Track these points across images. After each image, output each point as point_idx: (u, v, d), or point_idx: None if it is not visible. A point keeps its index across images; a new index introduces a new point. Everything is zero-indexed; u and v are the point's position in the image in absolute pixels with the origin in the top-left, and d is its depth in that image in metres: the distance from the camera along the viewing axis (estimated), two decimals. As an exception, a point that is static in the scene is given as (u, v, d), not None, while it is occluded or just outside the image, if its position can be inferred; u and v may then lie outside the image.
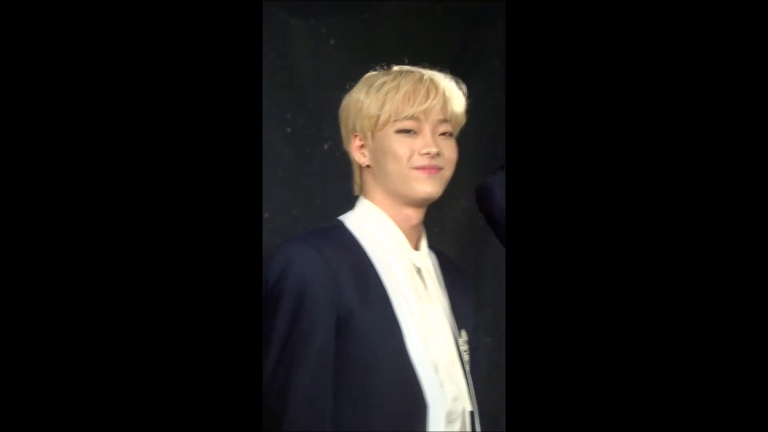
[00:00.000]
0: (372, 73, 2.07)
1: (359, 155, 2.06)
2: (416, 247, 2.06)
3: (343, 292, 1.96)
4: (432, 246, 2.13)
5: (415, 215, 2.04)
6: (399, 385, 1.96)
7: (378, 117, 2.02)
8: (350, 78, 2.10)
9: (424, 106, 2.01)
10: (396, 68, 2.06)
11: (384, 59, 2.10)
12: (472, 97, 2.09)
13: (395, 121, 2.01)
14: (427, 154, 2.00)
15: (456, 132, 2.07)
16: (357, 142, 2.06)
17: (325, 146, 3.23)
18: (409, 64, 2.08)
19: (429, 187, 2.01)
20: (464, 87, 2.08)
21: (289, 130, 3.23)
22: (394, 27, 3.30)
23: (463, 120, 2.07)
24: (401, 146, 2.01)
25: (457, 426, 2.02)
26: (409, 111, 2.00)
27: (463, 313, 2.12)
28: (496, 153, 3.43)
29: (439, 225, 3.30)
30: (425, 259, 2.07)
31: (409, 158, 2.01)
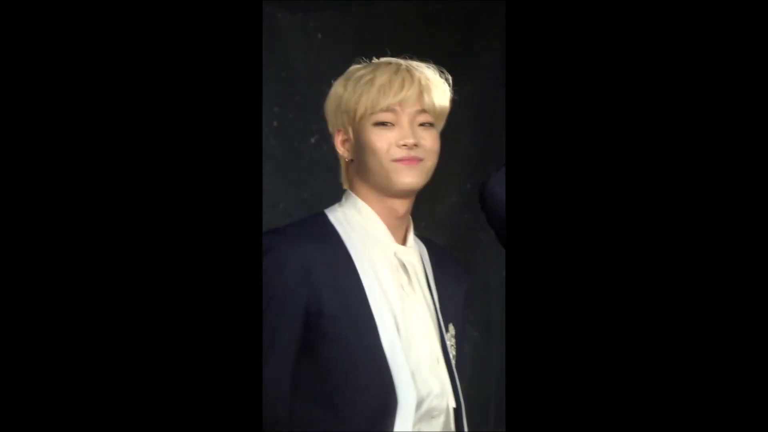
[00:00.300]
0: (353, 66, 2.06)
1: (343, 150, 2.05)
2: (403, 241, 2.05)
3: (316, 288, 1.95)
4: (425, 236, 2.13)
5: (401, 206, 2.03)
6: (370, 383, 1.96)
7: (356, 111, 2.01)
8: (338, 72, 2.09)
9: (399, 97, 1.99)
10: (376, 61, 2.06)
11: (373, 53, 2.09)
12: (464, 93, 2.08)
13: (372, 113, 2.00)
14: (404, 145, 1.99)
15: (439, 123, 2.05)
16: (340, 137, 2.05)
17: (312, 140, 3.23)
18: (391, 56, 2.06)
19: (409, 178, 2.00)
20: (449, 77, 2.06)
21: (276, 123, 3.22)
22: (383, 20, 3.29)
23: (445, 110, 2.05)
24: (379, 139, 2.00)
25: (440, 422, 2.01)
26: (384, 103, 1.99)
27: (452, 306, 2.11)
28: (488, 148, 3.43)
29: (428, 219, 3.30)
30: (411, 253, 2.06)
31: (388, 150, 1.99)
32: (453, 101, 2.07)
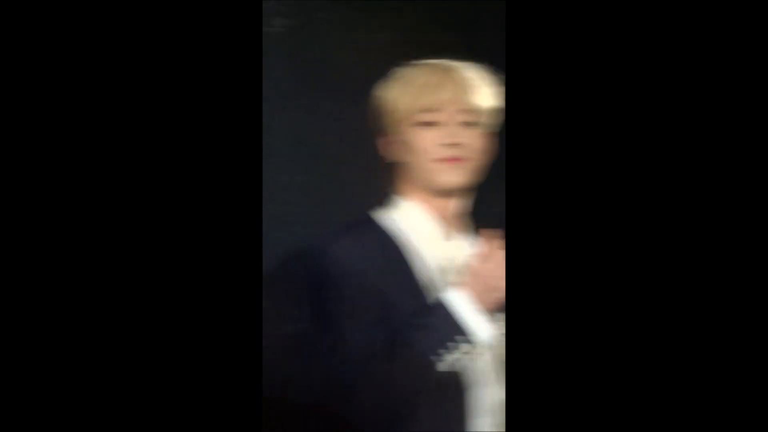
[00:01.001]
0: (396, 69, 2.08)
1: (389, 151, 2.07)
2: (453, 239, 2.07)
3: (381, 281, 1.96)
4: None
5: (449, 206, 2.05)
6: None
7: (398, 112, 2.03)
8: (346, 63, 2.10)
9: (439, 97, 2.01)
10: (417, 62, 2.07)
11: (377, 47, 2.10)
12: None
13: (413, 114, 2.02)
14: (446, 144, 2.01)
15: (486, 121, 2.06)
16: (386, 139, 2.07)
17: (313, 127, 3.23)
18: (429, 57, 2.08)
19: (452, 177, 2.02)
20: (491, 75, 2.08)
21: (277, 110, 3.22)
22: (386, 16, 3.29)
23: (489, 109, 2.07)
24: (422, 139, 2.02)
25: None
26: (425, 103, 2.01)
27: None
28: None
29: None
30: (461, 249, 2.08)
31: (430, 150, 2.02)
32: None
